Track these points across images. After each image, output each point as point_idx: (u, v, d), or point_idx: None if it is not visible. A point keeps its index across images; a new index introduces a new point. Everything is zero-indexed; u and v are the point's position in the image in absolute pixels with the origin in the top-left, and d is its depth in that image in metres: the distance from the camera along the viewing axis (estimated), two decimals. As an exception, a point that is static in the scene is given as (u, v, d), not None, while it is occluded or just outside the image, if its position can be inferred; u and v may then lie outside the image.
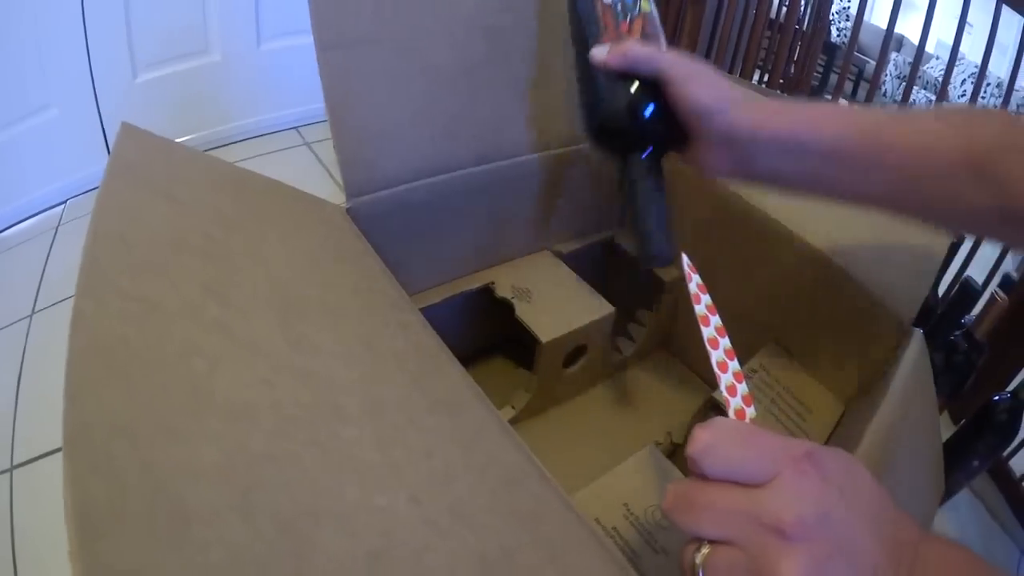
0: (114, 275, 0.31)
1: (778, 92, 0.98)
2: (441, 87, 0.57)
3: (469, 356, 0.75)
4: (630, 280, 0.76)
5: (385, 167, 0.55)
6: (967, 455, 0.84)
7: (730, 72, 1.47)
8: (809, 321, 0.64)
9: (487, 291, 0.67)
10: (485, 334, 0.74)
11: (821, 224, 0.60)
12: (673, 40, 1.32)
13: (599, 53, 0.48)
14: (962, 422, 0.87)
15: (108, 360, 0.27)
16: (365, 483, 0.29)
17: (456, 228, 0.63)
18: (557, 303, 0.66)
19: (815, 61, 1.58)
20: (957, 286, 0.79)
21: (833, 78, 3.47)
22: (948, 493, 0.87)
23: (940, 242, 0.58)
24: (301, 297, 0.40)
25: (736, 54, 1.53)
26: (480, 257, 0.69)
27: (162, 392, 0.27)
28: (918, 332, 0.54)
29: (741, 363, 0.36)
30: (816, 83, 3.27)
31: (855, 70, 3.47)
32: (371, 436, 0.32)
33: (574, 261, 0.73)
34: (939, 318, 0.81)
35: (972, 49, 2.89)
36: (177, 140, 0.50)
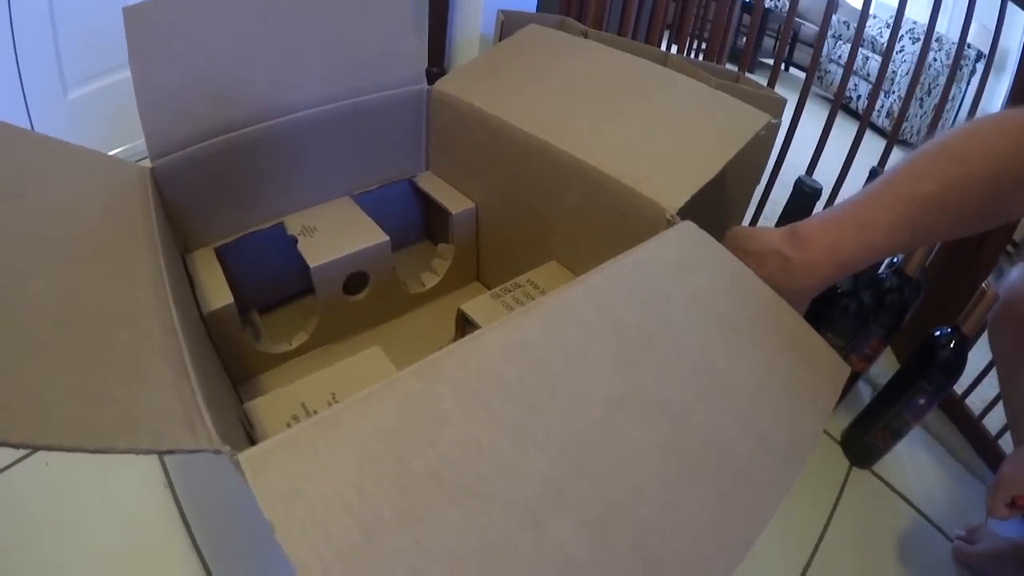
0: None
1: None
2: (221, 62, 0.66)
3: (292, 297, 0.84)
4: (428, 217, 0.83)
5: (179, 132, 0.64)
6: (912, 394, 0.85)
7: (633, 37, 1.40)
8: (581, 232, 0.70)
9: (282, 231, 0.75)
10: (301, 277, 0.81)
11: (585, 137, 0.67)
12: (581, 12, 1.29)
13: None
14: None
15: None
16: None
17: (251, 180, 0.72)
18: (336, 236, 0.73)
19: (727, 22, 1.58)
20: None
21: (767, 42, 3.50)
22: (896, 434, 0.89)
23: (718, 148, 0.63)
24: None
25: (639, 19, 1.45)
26: (280, 205, 0.76)
27: None
28: (686, 224, 0.55)
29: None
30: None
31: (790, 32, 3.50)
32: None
33: (377, 205, 0.81)
34: None
35: (911, 6, 2.91)
36: (112, 152, 0.59)
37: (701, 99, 0.70)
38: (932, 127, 1.08)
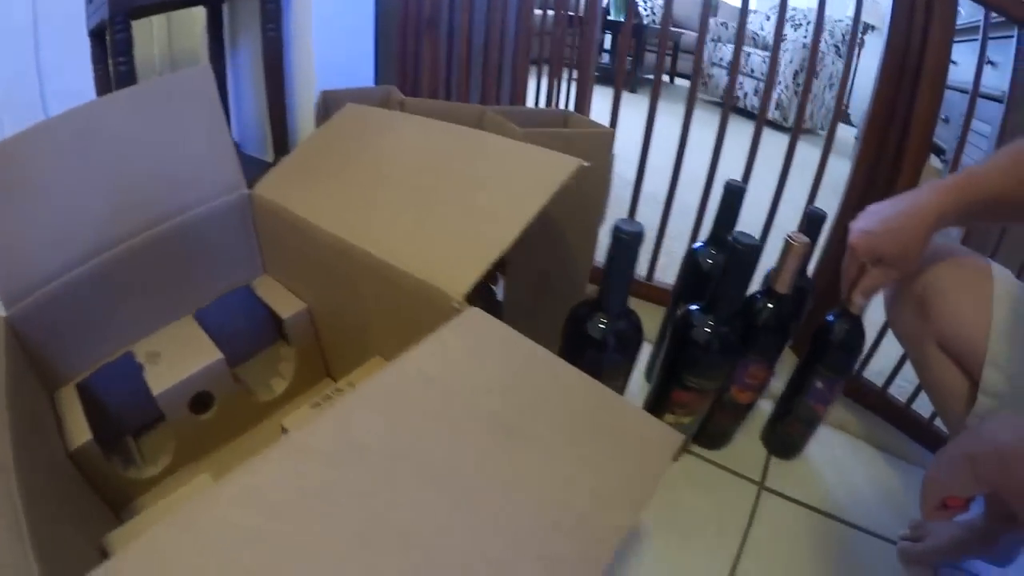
0: None
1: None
2: (52, 204, 0.67)
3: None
4: (277, 319, 0.82)
5: (26, 278, 0.65)
6: (810, 380, 0.85)
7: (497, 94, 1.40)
8: (391, 326, 0.70)
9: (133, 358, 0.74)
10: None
11: (381, 230, 0.68)
12: (415, 75, 1.29)
13: None
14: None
15: None
16: None
17: (97, 313, 0.72)
18: (175, 360, 0.73)
19: (593, 47, 1.60)
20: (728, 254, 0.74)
21: (650, 57, 3.58)
22: (807, 422, 0.88)
23: (517, 213, 0.63)
24: None
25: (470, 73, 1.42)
26: (129, 333, 0.76)
27: None
28: (473, 308, 0.55)
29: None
30: (628, 65, 3.37)
31: (670, 44, 3.58)
32: None
33: (221, 315, 0.80)
34: (718, 284, 0.76)
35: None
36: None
37: (506, 158, 0.70)
38: (836, 113, 1.08)
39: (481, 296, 0.87)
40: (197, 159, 0.77)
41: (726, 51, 3.36)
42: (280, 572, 0.34)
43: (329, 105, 0.91)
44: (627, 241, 0.67)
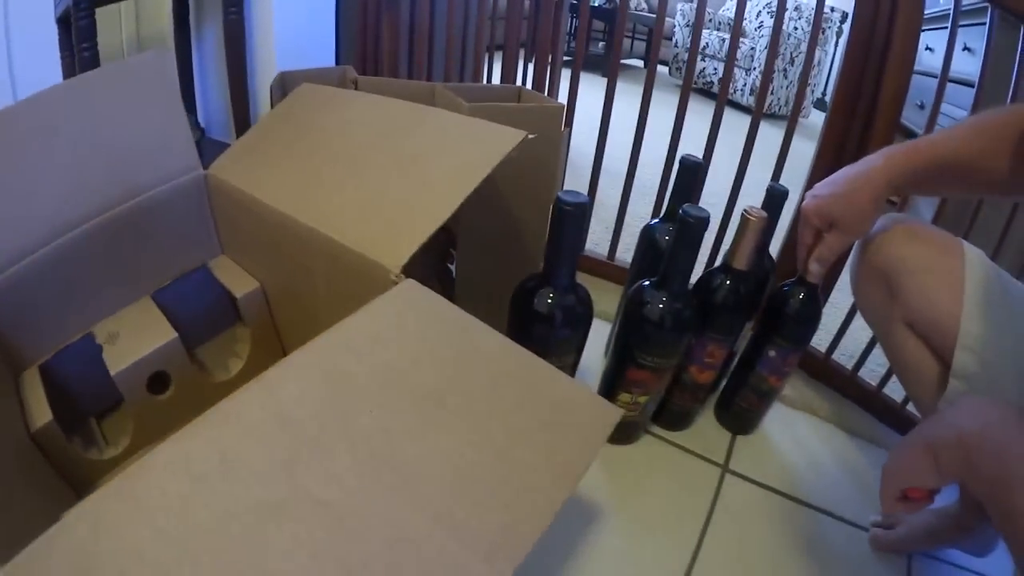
0: None
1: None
2: (8, 194, 0.66)
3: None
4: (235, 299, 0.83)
5: None
6: (762, 349, 0.84)
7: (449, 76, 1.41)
8: (338, 304, 0.69)
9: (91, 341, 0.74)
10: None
11: (327, 206, 0.68)
12: (376, 55, 1.28)
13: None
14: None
15: None
16: None
17: (59, 296, 0.72)
18: (132, 340, 0.73)
19: (560, 30, 1.60)
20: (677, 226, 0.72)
21: (625, 44, 3.59)
22: (762, 394, 0.86)
23: (458, 185, 0.62)
24: None
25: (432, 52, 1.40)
26: (91, 315, 0.76)
27: None
28: (408, 280, 0.55)
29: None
30: (602, 50, 3.39)
31: (645, 29, 3.58)
32: None
33: (181, 296, 0.80)
34: (668, 259, 0.74)
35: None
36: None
37: (452, 132, 0.71)
38: (799, 95, 1.08)
39: (439, 275, 0.88)
40: (154, 141, 0.77)
41: (707, 38, 3.36)
42: (204, 541, 0.35)
43: (286, 86, 0.92)
44: (569, 212, 0.65)
